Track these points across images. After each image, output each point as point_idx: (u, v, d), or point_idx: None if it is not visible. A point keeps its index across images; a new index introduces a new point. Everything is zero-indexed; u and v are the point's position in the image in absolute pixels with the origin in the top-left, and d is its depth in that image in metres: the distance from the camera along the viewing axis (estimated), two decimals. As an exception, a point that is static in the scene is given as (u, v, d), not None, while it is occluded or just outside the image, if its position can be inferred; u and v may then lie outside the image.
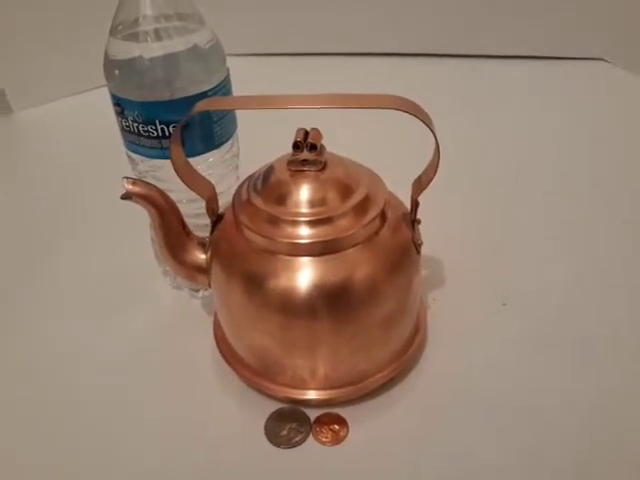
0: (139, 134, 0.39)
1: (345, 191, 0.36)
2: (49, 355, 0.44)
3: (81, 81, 0.77)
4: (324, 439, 0.37)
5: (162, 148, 0.39)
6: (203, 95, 0.39)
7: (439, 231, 0.43)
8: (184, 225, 0.39)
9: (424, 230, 0.39)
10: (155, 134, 0.39)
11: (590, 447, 0.36)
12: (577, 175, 0.62)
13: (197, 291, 0.48)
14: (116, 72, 0.38)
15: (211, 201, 0.38)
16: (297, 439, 0.37)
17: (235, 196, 0.38)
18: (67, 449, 0.38)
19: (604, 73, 0.83)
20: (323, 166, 0.36)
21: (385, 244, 0.36)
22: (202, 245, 0.39)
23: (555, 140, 0.68)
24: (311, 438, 0.37)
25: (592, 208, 0.57)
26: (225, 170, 0.44)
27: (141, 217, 0.39)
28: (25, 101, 0.79)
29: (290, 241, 0.35)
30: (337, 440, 0.37)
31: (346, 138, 0.43)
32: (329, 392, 0.38)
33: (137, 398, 0.41)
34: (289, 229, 0.35)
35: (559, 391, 0.40)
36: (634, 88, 0.78)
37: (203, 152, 0.41)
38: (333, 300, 0.35)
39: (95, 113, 0.56)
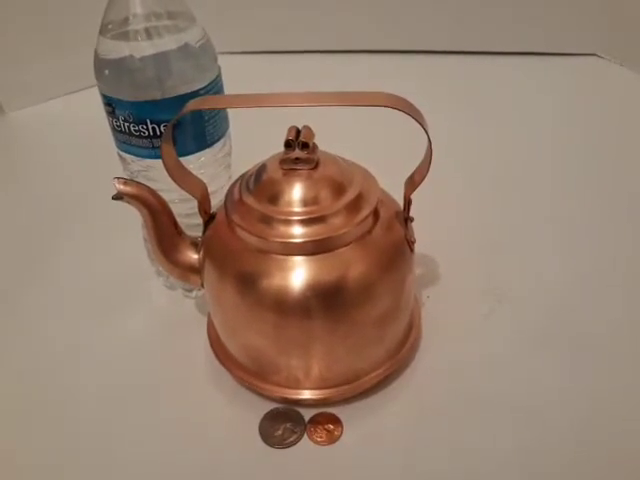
0: (130, 134, 0.39)
1: (338, 189, 0.36)
2: (42, 355, 0.44)
3: (74, 81, 0.77)
4: (319, 439, 0.37)
5: (153, 148, 0.39)
6: (194, 94, 0.38)
7: (433, 229, 0.43)
8: (176, 225, 0.38)
9: (417, 228, 0.39)
10: (146, 134, 0.39)
11: (587, 445, 0.36)
12: (571, 171, 0.62)
13: (191, 291, 0.48)
14: (106, 72, 0.38)
15: (203, 201, 0.38)
16: (291, 439, 0.37)
17: (227, 195, 0.38)
18: (63, 449, 0.38)
19: (597, 68, 0.83)
20: (315, 164, 0.36)
21: (378, 242, 0.36)
22: (194, 245, 0.39)
23: (549, 136, 0.68)
24: (306, 438, 0.37)
25: (587, 204, 0.57)
26: (217, 169, 0.43)
27: (134, 217, 0.39)
28: (17, 102, 0.78)
29: (283, 240, 0.34)
30: (332, 440, 0.37)
31: (339, 136, 0.42)
32: (323, 392, 0.38)
33: (130, 398, 0.41)
34: (282, 228, 0.35)
35: (555, 389, 0.40)
36: (628, 83, 0.78)
37: (195, 151, 0.41)
38: (327, 299, 0.35)
39: (88, 113, 0.56)
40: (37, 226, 0.58)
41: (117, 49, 0.37)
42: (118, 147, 0.41)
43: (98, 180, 0.44)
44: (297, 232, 0.34)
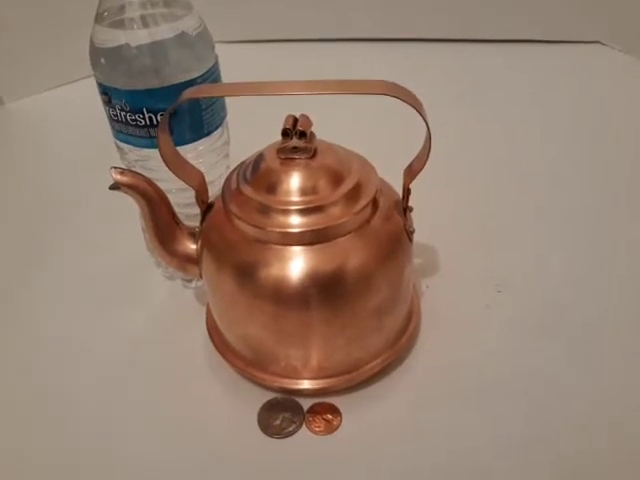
0: (127, 123, 0.39)
1: (336, 179, 0.35)
2: (42, 345, 0.44)
3: (72, 71, 0.76)
4: (317, 429, 0.37)
5: (150, 137, 0.39)
6: (191, 82, 0.38)
7: (432, 218, 0.43)
8: (174, 215, 0.38)
9: (416, 218, 0.39)
10: (143, 123, 0.38)
11: (588, 436, 0.36)
12: (573, 159, 0.61)
13: (190, 281, 0.47)
14: (102, 60, 0.38)
15: (201, 190, 0.38)
16: (290, 429, 0.37)
17: (225, 185, 0.38)
18: (64, 437, 0.38)
19: (601, 56, 0.82)
20: (313, 153, 0.35)
21: (377, 232, 0.36)
22: (192, 235, 0.39)
23: (552, 125, 0.67)
24: (304, 428, 0.37)
25: (588, 193, 0.56)
26: (215, 159, 0.43)
27: (132, 207, 0.38)
28: (16, 92, 0.78)
29: (281, 230, 0.34)
30: (330, 429, 0.37)
31: (337, 125, 0.42)
32: (322, 381, 0.38)
33: (129, 388, 0.41)
34: (280, 218, 0.34)
35: (555, 379, 0.40)
36: (631, 71, 0.78)
37: (192, 140, 0.40)
38: (325, 289, 0.35)
39: (86, 103, 0.55)
40: (35, 217, 0.58)
41: (113, 37, 0.37)
42: (115, 137, 0.41)
43: (96, 170, 0.44)
44: (295, 222, 0.34)
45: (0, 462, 0.37)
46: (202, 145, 0.41)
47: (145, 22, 0.37)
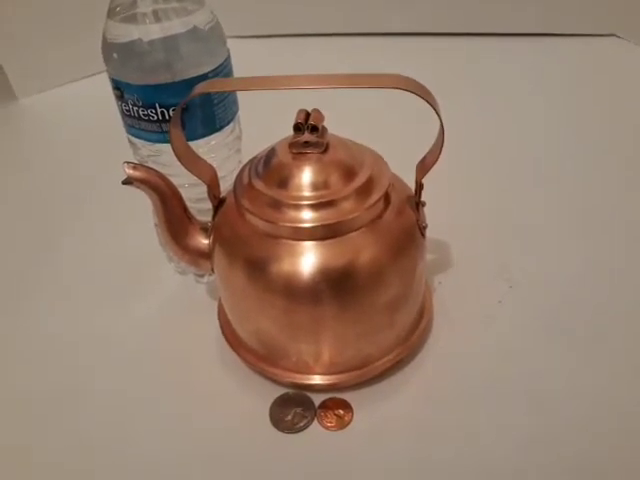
0: (139, 118, 0.39)
1: (348, 173, 0.35)
2: (53, 340, 0.45)
3: (85, 66, 0.77)
4: (329, 424, 0.37)
5: (162, 132, 0.39)
6: (203, 77, 0.38)
7: (445, 214, 0.43)
8: (186, 210, 0.38)
9: (429, 213, 0.39)
10: (155, 118, 0.38)
11: (598, 433, 0.36)
12: (589, 154, 0.60)
13: (202, 276, 0.48)
14: (115, 55, 0.38)
15: (213, 185, 0.38)
16: (302, 424, 0.37)
17: (236, 180, 0.38)
18: (77, 431, 0.39)
19: (616, 49, 0.81)
20: (325, 148, 0.35)
21: (389, 227, 0.36)
22: (204, 230, 0.39)
23: (567, 118, 0.67)
24: (316, 423, 0.37)
25: (601, 189, 0.56)
26: (227, 153, 0.43)
27: (145, 202, 0.38)
28: (29, 87, 0.79)
29: (293, 225, 0.34)
30: (342, 425, 0.37)
31: (349, 119, 0.42)
32: (334, 377, 0.38)
33: (141, 383, 0.41)
34: (291, 213, 0.34)
35: (566, 375, 0.39)
36: (647, 64, 0.77)
37: (204, 135, 0.40)
38: (337, 284, 0.35)
39: (99, 98, 0.56)
40: (48, 212, 0.58)
41: (125, 32, 0.37)
42: (127, 131, 0.41)
43: (108, 165, 0.44)
44: (307, 217, 0.34)
45: (1, 460, 0.37)
46: (214, 140, 0.41)
47: (157, 17, 0.37)
